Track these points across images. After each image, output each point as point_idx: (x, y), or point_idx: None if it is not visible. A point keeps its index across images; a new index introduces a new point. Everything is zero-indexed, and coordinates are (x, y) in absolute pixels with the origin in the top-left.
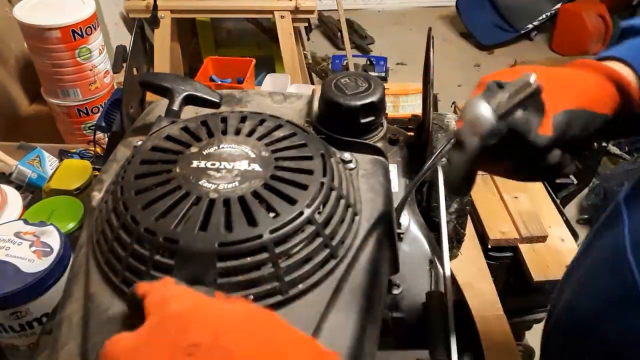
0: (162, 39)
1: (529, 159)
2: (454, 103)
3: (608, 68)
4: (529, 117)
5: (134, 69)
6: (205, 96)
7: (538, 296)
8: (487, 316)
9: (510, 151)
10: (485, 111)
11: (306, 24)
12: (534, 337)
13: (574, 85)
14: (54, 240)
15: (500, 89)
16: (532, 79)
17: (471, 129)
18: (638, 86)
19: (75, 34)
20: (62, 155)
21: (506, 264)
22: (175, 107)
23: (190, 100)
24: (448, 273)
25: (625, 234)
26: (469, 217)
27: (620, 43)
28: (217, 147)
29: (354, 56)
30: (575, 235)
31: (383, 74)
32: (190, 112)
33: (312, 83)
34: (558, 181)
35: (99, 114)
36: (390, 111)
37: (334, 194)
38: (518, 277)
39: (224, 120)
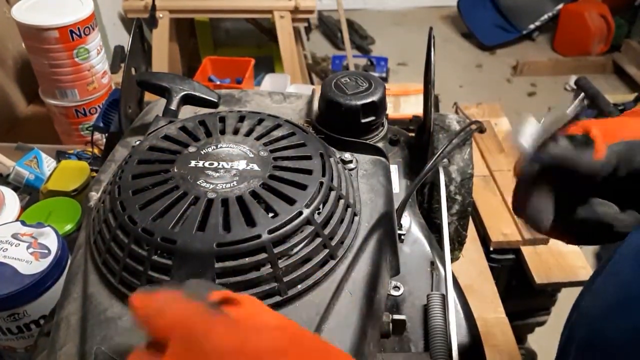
0: (161, 39)
1: (585, 191)
2: (455, 103)
3: None
4: (580, 149)
5: (132, 69)
6: (203, 96)
7: (540, 299)
8: (488, 319)
9: (569, 189)
10: (523, 139)
11: (306, 24)
12: (536, 340)
13: (636, 121)
14: (52, 242)
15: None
16: (567, 110)
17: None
18: None
19: (74, 34)
20: (59, 156)
21: (508, 266)
22: (173, 106)
23: (188, 99)
24: (449, 275)
25: None
26: (470, 219)
27: None
28: (215, 147)
29: (354, 56)
30: None
31: (384, 75)
32: (189, 112)
33: (312, 83)
34: None
35: (96, 115)
36: (391, 112)
37: (333, 193)
38: (520, 279)
39: (222, 119)
